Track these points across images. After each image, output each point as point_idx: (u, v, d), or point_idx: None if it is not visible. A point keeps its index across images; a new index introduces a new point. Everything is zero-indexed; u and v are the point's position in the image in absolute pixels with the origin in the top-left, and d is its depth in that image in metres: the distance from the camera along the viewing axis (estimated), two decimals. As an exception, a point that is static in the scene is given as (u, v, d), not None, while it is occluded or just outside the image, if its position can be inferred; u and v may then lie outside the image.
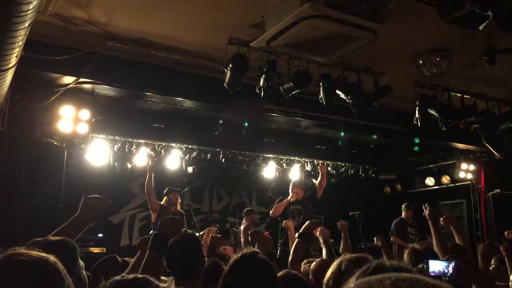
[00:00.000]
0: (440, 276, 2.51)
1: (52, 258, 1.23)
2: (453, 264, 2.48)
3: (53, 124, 5.87)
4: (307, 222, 4.25)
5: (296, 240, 3.96)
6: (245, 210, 8.24)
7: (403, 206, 8.47)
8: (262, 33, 4.69)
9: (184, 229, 3.04)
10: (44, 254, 1.23)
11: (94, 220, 2.62)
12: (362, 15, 4.27)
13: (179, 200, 7.28)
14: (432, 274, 2.52)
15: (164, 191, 7.30)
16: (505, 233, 5.11)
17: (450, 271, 2.48)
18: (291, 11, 4.19)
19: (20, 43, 3.80)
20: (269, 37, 4.65)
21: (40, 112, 5.73)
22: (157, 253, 2.33)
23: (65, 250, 1.95)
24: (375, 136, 8.35)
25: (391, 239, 7.90)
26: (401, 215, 8.52)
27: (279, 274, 2.47)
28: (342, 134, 8.53)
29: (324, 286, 2.08)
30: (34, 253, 1.21)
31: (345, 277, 1.87)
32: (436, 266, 2.58)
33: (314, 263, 3.35)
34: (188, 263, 2.66)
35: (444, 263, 2.55)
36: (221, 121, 8.04)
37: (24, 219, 4.83)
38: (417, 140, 8.40)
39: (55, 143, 5.88)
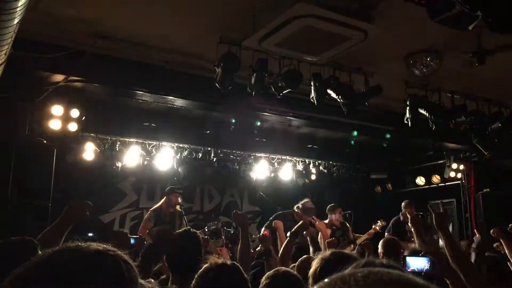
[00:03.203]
0: (417, 271, 2.59)
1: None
2: (428, 260, 2.58)
3: (42, 123, 5.81)
4: (300, 222, 4.31)
5: (288, 237, 4.00)
6: (329, 206, 7.73)
7: (403, 203, 8.22)
8: (254, 32, 4.69)
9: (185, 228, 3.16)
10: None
11: (74, 223, 2.76)
12: (353, 15, 4.28)
13: (180, 201, 7.22)
14: (409, 270, 2.61)
15: (165, 190, 7.24)
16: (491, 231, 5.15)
17: (427, 267, 2.57)
18: (282, 10, 4.19)
19: (9, 40, 3.77)
20: (260, 36, 4.65)
21: (29, 110, 5.68)
22: (148, 262, 2.39)
23: (25, 249, 2.05)
24: (355, 133, 8.23)
25: (385, 235, 7.84)
26: (393, 213, 8.47)
27: (271, 272, 2.50)
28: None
29: (310, 279, 2.12)
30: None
31: (330, 267, 1.90)
32: (413, 262, 2.71)
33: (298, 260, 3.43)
34: (188, 259, 2.73)
35: (421, 259, 2.65)
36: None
37: (12, 219, 4.80)
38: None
39: (45, 142, 5.83)
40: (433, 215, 3.33)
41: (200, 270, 2.12)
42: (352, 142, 9.00)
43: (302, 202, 7.20)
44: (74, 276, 0.91)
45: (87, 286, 0.91)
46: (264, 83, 5.24)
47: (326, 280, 0.55)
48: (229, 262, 2.18)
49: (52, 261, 0.94)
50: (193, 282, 2.10)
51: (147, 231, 6.73)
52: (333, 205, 7.86)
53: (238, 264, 2.22)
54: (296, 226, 4.23)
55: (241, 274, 2.17)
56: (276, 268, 2.64)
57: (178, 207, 7.17)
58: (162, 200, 7.17)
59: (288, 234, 4.13)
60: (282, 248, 3.99)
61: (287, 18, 4.26)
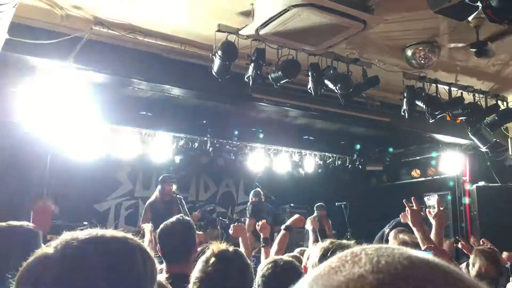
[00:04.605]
0: None
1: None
2: (429, 254, 2.58)
3: (37, 110, 5.77)
4: (296, 216, 4.29)
5: (283, 232, 4.00)
6: (316, 205, 8.92)
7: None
8: (252, 21, 4.65)
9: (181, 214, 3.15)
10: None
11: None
12: (352, 4, 4.25)
13: (174, 189, 7.27)
14: None
15: (159, 179, 7.31)
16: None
17: None
18: (280, -1, 4.15)
19: (5, 25, 3.73)
20: (258, 25, 4.60)
21: (25, 97, 5.63)
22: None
23: (30, 235, 2.10)
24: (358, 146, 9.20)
25: (386, 232, 7.75)
26: (388, 205, 8.50)
27: (271, 260, 2.49)
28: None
29: (310, 269, 2.13)
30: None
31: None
32: None
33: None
34: (180, 247, 2.73)
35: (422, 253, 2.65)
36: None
37: (7, 206, 4.77)
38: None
39: (40, 129, 5.79)
40: (409, 211, 3.28)
41: (202, 257, 2.12)
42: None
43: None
44: (97, 265, 0.90)
45: (107, 274, 0.90)
46: (261, 73, 5.21)
47: (337, 255, 0.55)
48: (231, 248, 2.18)
49: (76, 249, 0.92)
50: (195, 268, 2.10)
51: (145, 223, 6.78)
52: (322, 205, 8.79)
53: (240, 250, 2.22)
54: (290, 220, 4.22)
55: (244, 260, 2.18)
56: (275, 257, 2.64)
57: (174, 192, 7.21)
58: (156, 190, 7.22)
59: (283, 227, 4.11)
60: (276, 243, 3.97)
61: (285, 7, 4.22)
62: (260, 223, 4.14)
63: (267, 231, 4.06)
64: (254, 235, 6.52)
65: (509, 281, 3.54)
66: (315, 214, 7.98)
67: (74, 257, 0.90)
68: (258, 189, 8.77)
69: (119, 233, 1.00)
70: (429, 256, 0.55)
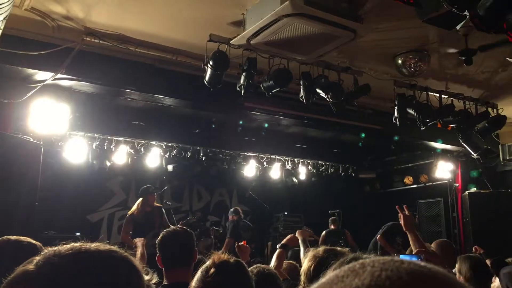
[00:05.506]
0: None
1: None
2: (419, 258, 2.62)
3: (29, 121, 5.76)
4: (289, 236, 4.37)
5: (279, 250, 4.07)
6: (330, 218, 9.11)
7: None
8: (243, 30, 4.68)
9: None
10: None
11: None
12: (342, 14, 4.30)
13: (154, 201, 7.11)
14: None
15: (140, 190, 7.08)
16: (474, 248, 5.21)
17: None
18: (271, 9, 4.19)
19: (-5, 37, 3.73)
20: (250, 35, 4.64)
21: (16, 108, 5.62)
22: None
23: (36, 251, 2.00)
24: (363, 135, 8.70)
25: (377, 237, 7.61)
26: (381, 212, 8.50)
27: (250, 269, 2.51)
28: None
29: (302, 276, 2.14)
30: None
31: (324, 265, 1.92)
32: None
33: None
34: (182, 253, 2.76)
35: (412, 258, 2.68)
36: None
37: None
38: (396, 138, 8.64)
39: (32, 140, 5.77)
40: (401, 216, 3.43)
41: (203, 266, 2.08)
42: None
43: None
44: (81, 279, 0.89)
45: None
46: (253, 82, 5.24)
47: (350, 264, 0.55)
48: (232, 259, 2.13)
49: (58, 264, 0.89)
50: (195, 277, 2.06)
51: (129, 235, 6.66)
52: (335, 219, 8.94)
53: (242, 261, 2.18)
54: (285, 240, 4.30)
55: (245, 272, 2.12)
56: (255, 265, 2.67)
57: (156, 203, 7.10)
58: (138, 201, 6.98)
59: (278, 246, 4.19)
60: (275, 259, 4.00)
61: (276, 17, 4.26)
62: (240, 244, 4.09)
63: (246, 255, 3.98)
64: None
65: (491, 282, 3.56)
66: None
67: (55, 273, 0.88)
68: (237, 207, 8.72)
69: (103, 246, 0.98)
70: (440, 270, 0.53)
